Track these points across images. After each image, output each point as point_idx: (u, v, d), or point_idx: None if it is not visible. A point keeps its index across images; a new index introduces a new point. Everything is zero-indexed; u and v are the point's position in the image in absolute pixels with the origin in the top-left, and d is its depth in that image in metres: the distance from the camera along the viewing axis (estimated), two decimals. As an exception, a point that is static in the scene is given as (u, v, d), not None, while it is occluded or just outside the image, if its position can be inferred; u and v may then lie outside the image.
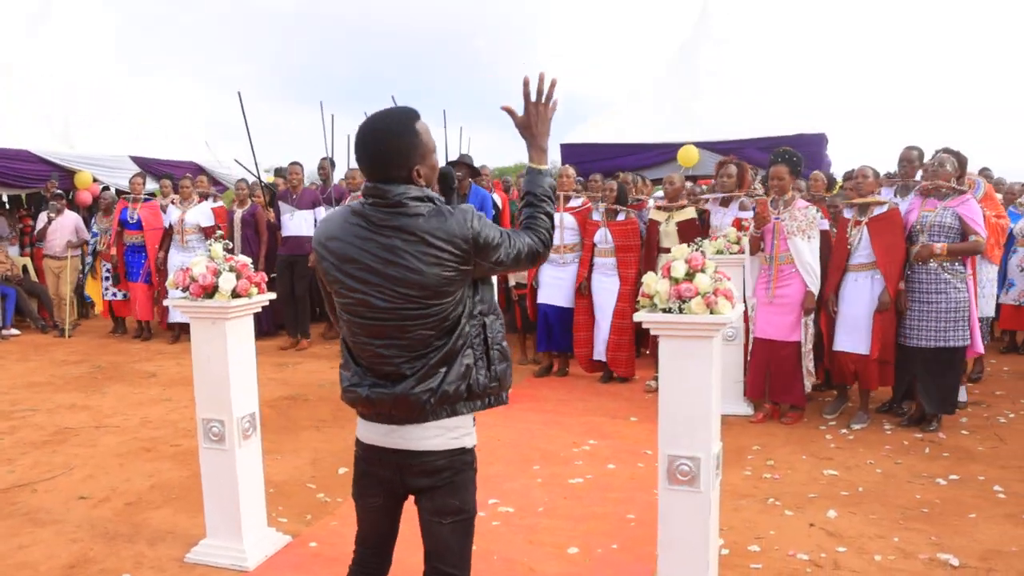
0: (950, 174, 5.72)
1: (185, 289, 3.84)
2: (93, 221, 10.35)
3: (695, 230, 6.87)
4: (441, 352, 2.27)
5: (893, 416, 6.16)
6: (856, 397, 6.19)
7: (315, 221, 9.11)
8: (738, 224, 6.65)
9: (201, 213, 9.46)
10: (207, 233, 9.18)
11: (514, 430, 5.88)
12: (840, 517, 4.34)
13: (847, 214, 6.08)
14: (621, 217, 7.24)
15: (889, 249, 5.79)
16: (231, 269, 3.86)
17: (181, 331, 9.33)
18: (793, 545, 4.01)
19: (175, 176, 10.39)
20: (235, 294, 3.82)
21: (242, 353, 3.94)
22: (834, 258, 6.07)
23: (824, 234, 6.20)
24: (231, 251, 4.01)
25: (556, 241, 7.42)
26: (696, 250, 3.33)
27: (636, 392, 7.06)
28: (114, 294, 10.01)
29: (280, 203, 9.24)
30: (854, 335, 5.94)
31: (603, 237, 7.24)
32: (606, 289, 7.26)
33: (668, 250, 6.35)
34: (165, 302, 4.21)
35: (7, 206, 13.24)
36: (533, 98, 2.46)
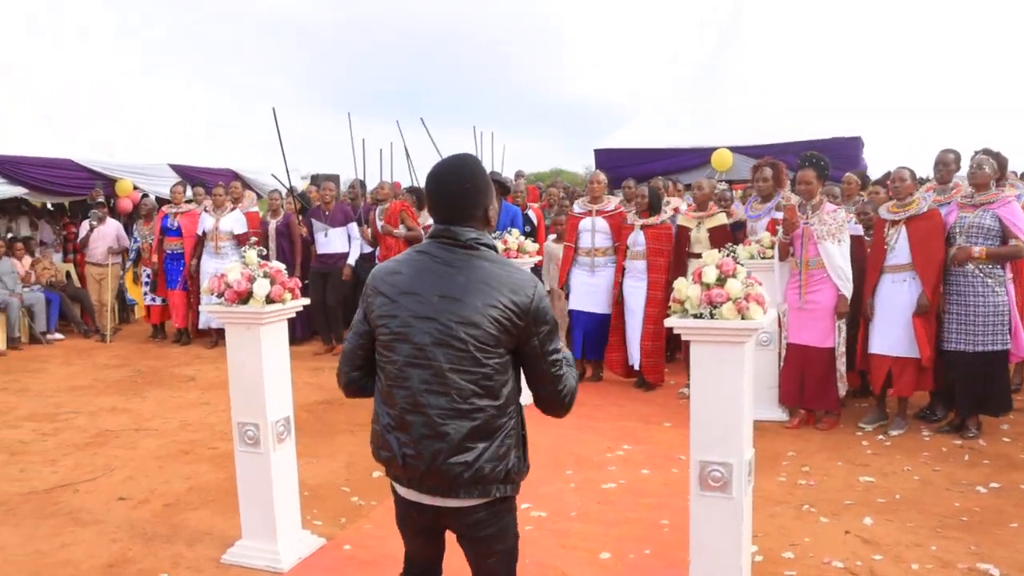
0: (989, 176, 5.63)
1: (220, 295, 3.90)
2: (134, 228, 10.52)
3: (726, 236, 6.81)
4: (482, 417, 2.22)
5: (929, 422, 6.07)
6: (894, 406, 6.10)
7: (348, 237, 9.17)
8: (773, 226, 6.59)
9: (235, 220, 9.61)
10: (240, 240, 9.30)
11: (548, 435, 5.88)
12: (876, 524, 4.29)
13: (884, 214, 6.00)
14: (656, 221, 7.22)
15: (927, 251, 5.71)
16: (265, 275, 3.91)
17: (219, 336, 9.45)
18: (828, 552, 3.97)
19: (208, 183, 10.54)
20: (269, 300, 3.87)
21: (276, 358, 4.00)
22: (871, 259, 5.99)
23: (857, 239, 6.12)
24: (265, 257, 4.07)
25: (587, 244, 7.44)
26: (727, 255, 3.32)
27: (670, 397, 7.03)
28: (153, 299, 10.18)
29: (313, 220, 9.29)
30: (890, 338, 5.86)
31: (635, 240, 7.23)
32: (635, 294, 7.23)
33: (699, 256, 6.31)
34: (200, 308, 4.28)
35: (51, 212, 13.52)
36: None
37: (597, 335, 7.52)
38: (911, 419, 6.08)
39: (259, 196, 12.12)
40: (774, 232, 6.33)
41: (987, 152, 5.77)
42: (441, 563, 2.62)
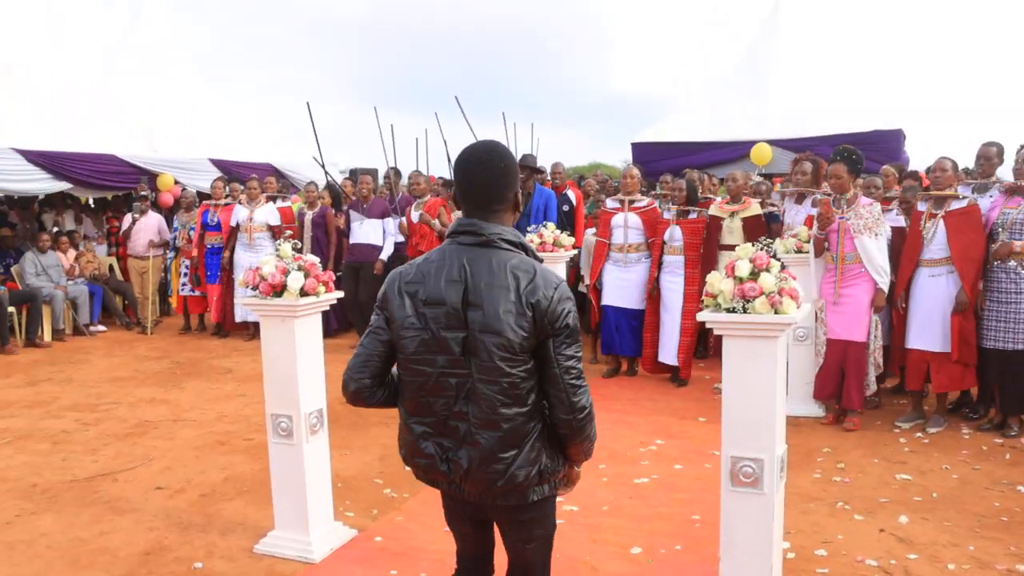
0: (1037, 170, 5.50)
1: (255, 288, 3.94)
2: (174, 218, 10.67)
3: (761, 227, 6.75)
4: (510, 426, 2.20)
5: (969, 420, 5.97)
6: (933, 403, 6.00)
7: (383, 231, 9.21)
8: (810, 221, 6.50)
9: (269, 212, 9.70)
10: (275, 232, 9.40)
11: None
12: (912, 523, 4.23)
13: (921, 207, 5.89)
14: (693, 215, 7.16)
15: (966, 247, 5.60)
16: (299, 268, 3.95)
17: (256, 329, 9.54)
18: (861, 551, 3.92)
19: (242, 177, 10.65)
20: (303, 293, 3.91)
21: (310, 350, 4.04)
22: (906, 251, 5.89)
23: (899, 231, 6.02)
24: (299, 250, 4.11)
25: (620, 240, 7.40)
26: (760, 249, 3.29)
27: (705, 392, 6.97)
28: (191, 291, 10.31)
29: (351, 211, 9.37)
30: (928, 333, 5.77)
31: (671, 235, 7.17)
32: (672, 289, 7.18)
33: (732, 247, 6.24)
34: (236, 300, 4.33)
35: (92, 207, 13.77)
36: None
37: (630, 330, 7.48)
38: (951, 417, 5.97)
39: (296, 190, 12.23)
40: (811, 226, 6.24)
41: (1033, 146, 5.64)
42: (492, 557, 2.63)
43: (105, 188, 11.81)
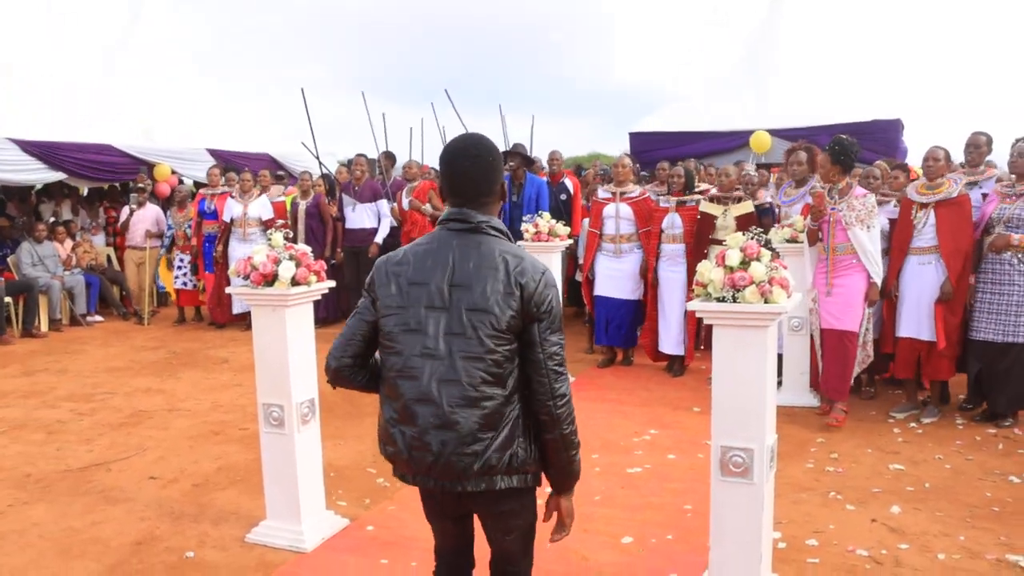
0: (1031, 165, 5.48)
1: (246, 277, 3.93)
2: (168, 214, 10.63)
3: (754, 224, 6.70)
4: (490, 406, 2.20)
5: (964, 411, 5.97)
6: (926, 393, 5.99)
7: (377, 214, 9.20)
8: (807, 210, 6.48)
9: (262, 207, 9.70)
10: (268, 226, 9.40)
11: (575, 422, 5.87)
12: (904, 513, 4.23)
13: (912, 195, 5.87)
14: (691, 203, 7.13)
15: (955, 237, 5.59)
16: (291, 258, 3.94)
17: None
18: (853, 540, 3.92)
19: (239, 168, 10.63)
20: (294, 282, 3.90)
21: (301, 340, 4.03)
22: (896, 240, 5.87)
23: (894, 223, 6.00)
24: (291, 240, 4.10)
25: (611, 231, 7.37)
26: (751, 238, 3.27)
27: (700, 382, 6.97)
28: (184, 283, 10.29)
29: (343, 196, 9.37)
30: (917, 322, 5.77)
31: (671, 223, 7.13)
32: (671, 279, 7.14)
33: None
34: (227, 290, 4.32)
35: (85, 196, 13.74)
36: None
37: (622, 320, 7.47)
38: (945, 408, 5.97)
39: (295, 180, 12.19)
40: (807, 215, 6.23)
41: (1028, 139, 5.62)
42: (472, 549, 2.61)
43: (102, 178, 11.78)
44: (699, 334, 7.44)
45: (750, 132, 10.91)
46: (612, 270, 7.43)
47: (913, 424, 5.71)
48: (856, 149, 5.69)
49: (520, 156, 8.05)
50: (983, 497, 4.44)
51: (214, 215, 9.92)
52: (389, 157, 10.36)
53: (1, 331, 9.25)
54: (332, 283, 4.19)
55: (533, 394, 2.26)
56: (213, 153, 12.33)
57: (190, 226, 10.17)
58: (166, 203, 11.52)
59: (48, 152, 10.39)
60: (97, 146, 11.07)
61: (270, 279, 3.90)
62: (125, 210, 10.91)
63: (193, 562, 3.89)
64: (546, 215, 6.88)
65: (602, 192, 7.67)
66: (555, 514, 2.46)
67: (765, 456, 3.15)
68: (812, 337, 6.08)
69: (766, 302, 3.10)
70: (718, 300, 3.17)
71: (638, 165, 9.99)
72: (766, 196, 7.58)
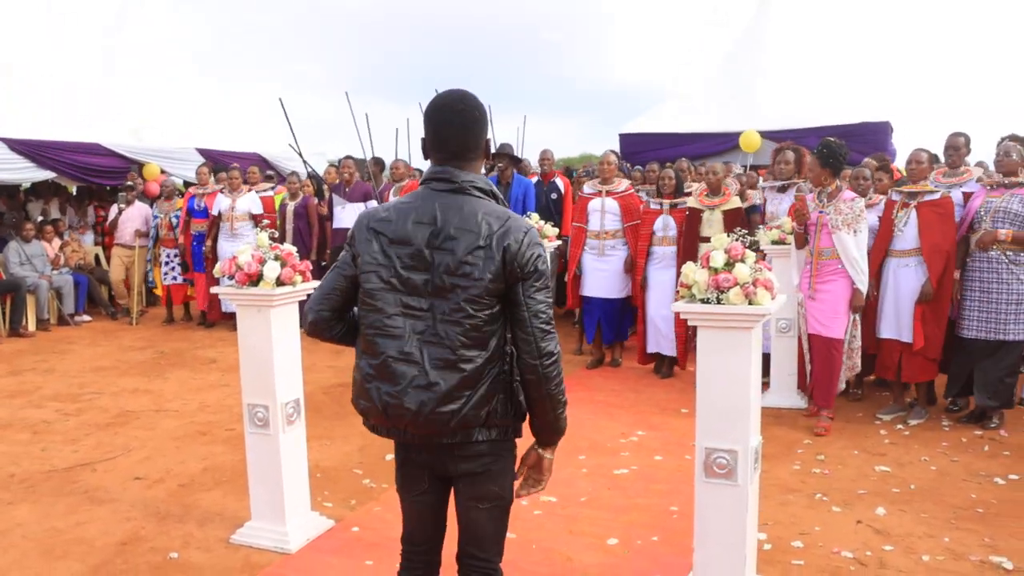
0: (1017, 163, 5.49)
1: (231, 277, 3.92)
2: (154, 206, 10.59)
3: (741, 221, 6.70)
4: (470, 368, 2.21)
5: (950, 412, 5.99)
6: (913, 394, 6.00)
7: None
8: (792, 212, 6.49)
9: (251, 201, 9.67)
10: (257, 220, 9.38)
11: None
12: (889, 515, 4.24)
13: (895, 196, 5.88)
14: (682, 206, 7.12)
15: (936, 239, 5.61)
16: (276, 258, 3.92)
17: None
18: (838, 542, 3.93)
19: (228, 166, 10.59)
20: (280, 282, 3.89)
21: (286, 340, 4.01)
22: (877, 241, 5.87)
23: None
24: (277, 239, 4.09)
25: (596, 226, 7.36)
26: (736, 239, 3.28)
27: (688, 384, 6.96)
28: (174, 279, 10.24)
29: (333, 195, 9.35)
30: (898, 323, 5.79)
31: (665, 225, 7.11)
32: (661, 282, 7.09)
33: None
34: (213, 290, 4.31)
35: (74, 195, 13.69)
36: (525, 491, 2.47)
37: (611, 319, 7.47)
38: (932, 409, 5.99)
39: (283, 180, 12.15)
40: (794, 217, 6.23)
41: (1014, 138, 5.65)
42: (441, 543, 2.57)
43: (90, 177, 11.73)
44: (688, 338, 7.44)
45: (739, 133, 10.93)
46: (598, 270, 7.42)
47: (900, 426, 5.73)
48: (845, 151, 5.65)
49: (508, 156, 8.05)
50: (968, 498, 4.46)
51: (204, 213, 9.88)
52: (378, 163, 10.34)
53: (-12, 330, 9.21)
54: (318, 283, 4.17)
55: (519, 352, 2.26)
56: (203, 152, 12.29)
57: (176, 216, 10.11)
58: (155, 202, 11.47)
59: (36, 151, 10.35)
60: (86, 145, 11.03)
61: (255, 279, 3.89)
62: (113, 208, 10.87)
63: (177, 563, 3.87)
64: (535, 215, 6.87)
65: (588, 187, 7.65)
66: (526, 470, 2.44)
67: (749, 458, 3.16)
68: (800, 339, 6.08)
69: (750, 303, 3.10)
70: (702, 301, 3.18)
71: (629, 165, 10.01)
72: (755, 198, 7.58)
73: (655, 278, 7.14)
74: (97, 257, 11.73)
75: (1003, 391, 5.59)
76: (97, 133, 11.22)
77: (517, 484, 2.46)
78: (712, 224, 6.82)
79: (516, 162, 8.34)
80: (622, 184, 7.50)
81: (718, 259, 3.20)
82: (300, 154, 10.45)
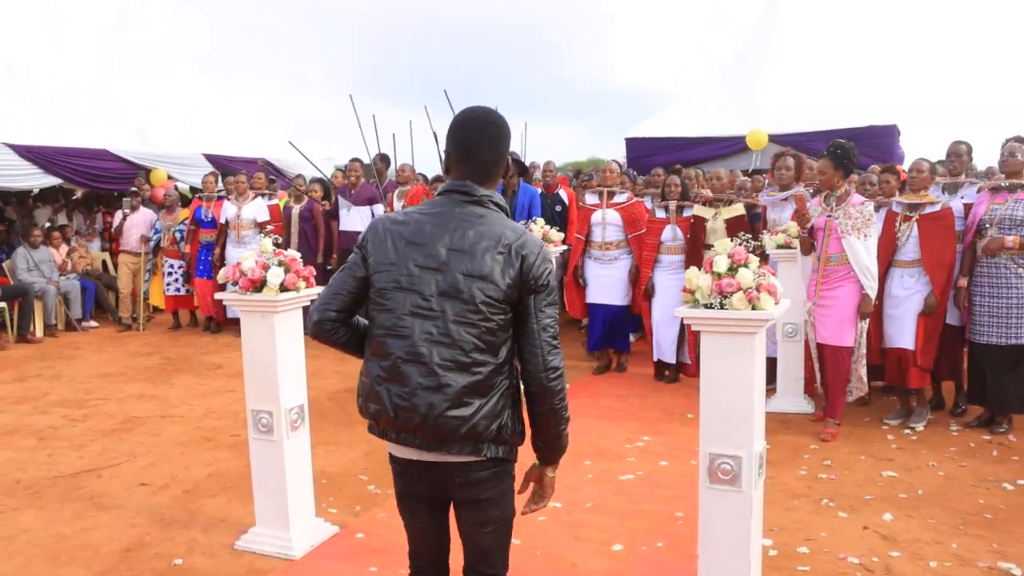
0: (1021, 163, 5.47)
1: (235, 283, 3.92)
2: (156, 219, 10.60)
3: (744, 228, 6.66)
4: (482, 373, 2.20)
5: (954, 416, 5.98)
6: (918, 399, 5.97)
7: (371, 216, 9.18)
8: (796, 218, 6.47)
9: (257, 208, 9.68)
10: (262, 228, 9.35)
11: (569, 425, 5.85)
12: (896, 520, 4.21)
13: (896, 208, 5.86)
14: (688, 213, 7.10)
15: (937, 251, 5.60)
16: (280, 263, 3.93)
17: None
18: (844, 548, 3.91)
19: (235, 171, 10.60)
20: (283, 288, 3.89)
21: (291, 346, 4.01)
22: (880, 252, 5.82)
23: None
24: (280, 245, 4.09)
25: (598, 238, 7.35)
26: (740, 244, 3.27)
27: (694, 389, 6.86)
28: (176, 289, 10.24)
29: (339, 197, 9.35)
30: (901, 333, 5.76)
31: (672, 234, 7.08)
32: (671, 287, 7.04)
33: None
34: (216, 295, 4.31)
35: (82, 201, 13.71)
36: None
37: (616, 326, 7.45)
38: (939, 413, 5.96)
39: (286, 183, 12.15)
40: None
41: (1019, 139, 5.61)
42: (447, 557, 2.57)
43: (97, 183, 11.76)
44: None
45: (745, 137, 10.91)
46: (602, 276, 7.40)
47: (907, 431, 5.69)
48: (856, 153, 5.58)
49: (514, 163, 8.04)
50: (976, 504, 4.43)
51: (211, 223, 9.89)
52: (384, 159, 10.32)
53: (-4, 336, 9.24)
54: (321, 288, 4.17)
55: (525, 365, 2.26)
56: (209, 158, 12.30)
57: (180, 231, 10.13)
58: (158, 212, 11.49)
59: (44, 157, 10.37)
60: (93, 151, 11.03)
61: (259, 285, 3.89)
62: (118, 215, 10.87)
63: (182, 569, 3.87)
64: (540, 220, 6.86)
65: (589, 198, 7.63)
66: (532, 486, 2.45)
67: (754, 463, 3.14)
68: (807, 345, 6.03)
69: (754, 308, 3.09)
70: (706, 307, 3.16)
71: (635, 172, 9.98)
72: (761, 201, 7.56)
73: (661, 283, 7.11)
74: (104, 263, 11.75)
75: (1018, 398, 5.58)
76: (98, 134, 11.20)
77: (522, 497, 2.46)
78: (716, 232, 6.77)
79: (523, 170, 8.32)
80: (623, 194, 7.47)
81: (721, 264, 3.19)
82: (307, 157, 10.45)
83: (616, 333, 7.49)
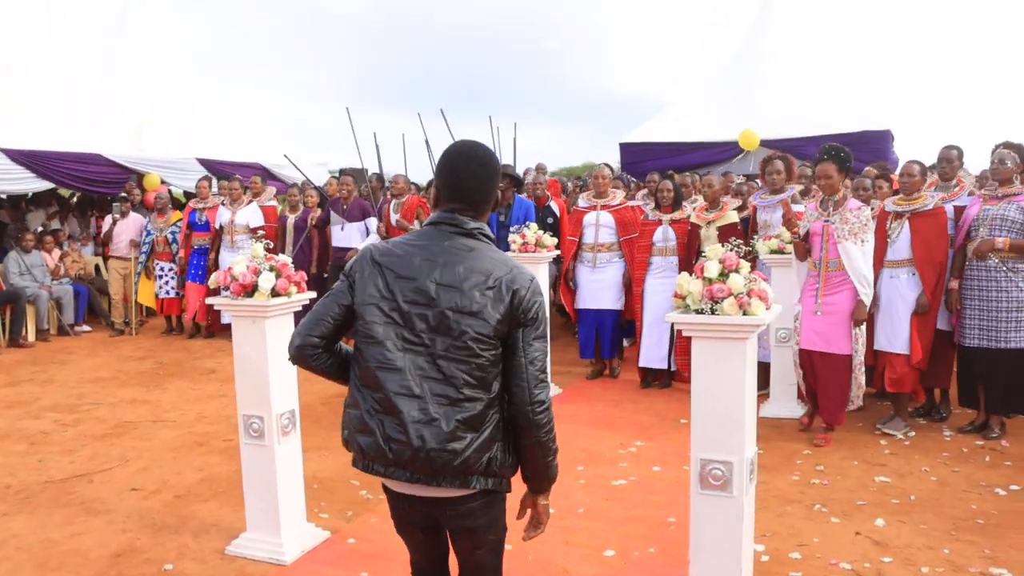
0: (1012, 170, 5.47)
1: (226, 288, 3.91)
2: (147, 221, 10.57)
3: (737, 236, 6.65)
4: (473, 408, 2.19)
5: (935, 421, 6.01)
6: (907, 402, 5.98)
7: (366, 231, 9.12)
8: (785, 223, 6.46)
9: (251, 213, 9.66)
10: (254, 232, 9.35)
11: (562, 430, 5.77)
12: (888, 526, 4.21)
13: (889, 207, 5.87)
14: (680, 216, 7.10)
15: (929, 250, 5.60)
16: (271, 268, 3.92)
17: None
18: (836, 554, 3.90)
19: (232, 178, 10.57)
20: (274, 293, 3.88)
21: (282, 351, 3.96)
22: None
23: None
24: (273, 252, 4.09)
25: (591, 240, 7.34)
26: (731, 250, 3.26)
27: (687, 394, 6.89)
28: (167, 292, 10.20)
29: (331, 212, 9.28)
30: (892, 335, 5.76)
31: (664, 235, 7.09)
32: (661, 292, 7.05)
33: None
34: (208, 300, 4.30)
35: (73, 204, 13.68)
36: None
37: (606, 331, 7.43)
38: (912, 419, 5.98)
39: (283, 187, 12.13)
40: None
41: (1008, 145, 5.62)
42: (447, 563, 2.58)
43: (91, 187, 11.73)
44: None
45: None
46: (592, 281, 7.40)
47: (900, 436, 5.69)
48: (852, 156, 5.59)
49: (509, 177, 8.04)
50: (968, 509, 4.43)
51: (205, 227, 9.87)
52: (380, 180, 10.31)
53: (-12, 341, 9.21)
54: (312, 294, 4.16)
55: (512, 398, 2.24)
56: (204, 163, 12.28)
57: (172, 232, 10.10)
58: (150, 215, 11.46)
59: (36, 161, 10.34)
60: (86, 155, 11.00)
61: (250, 290, 3.88)
62: (108, 219, 10.82)
63: (172, 574, 3.86)
64: (533, 226, 6.86)
65: (583, 201, 7.63)
66: (528, 512, 2.45)
67: (745, 469, 3.14)
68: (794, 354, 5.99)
69: (745, 314, 3.09)
70: (697, 312, 3.16)
71: (629, 176, 9.98)
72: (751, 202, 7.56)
73: (652, 287, 7.10)
74: (97, 267, 11.71)
75: (1013, 401, 5.60)
76: (97, 136, 11.17)
77: (520, 521, 2.47)
78: (709, 239, 6.75)
79: (518, 183, 8.32)
80: (617, 197, 7.48)
81: (712, 269, 3.18)
82: (300, 170, 10.43)
83: (607, 338, 7.47)
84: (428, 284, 2.20)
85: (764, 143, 10.80)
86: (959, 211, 5.87)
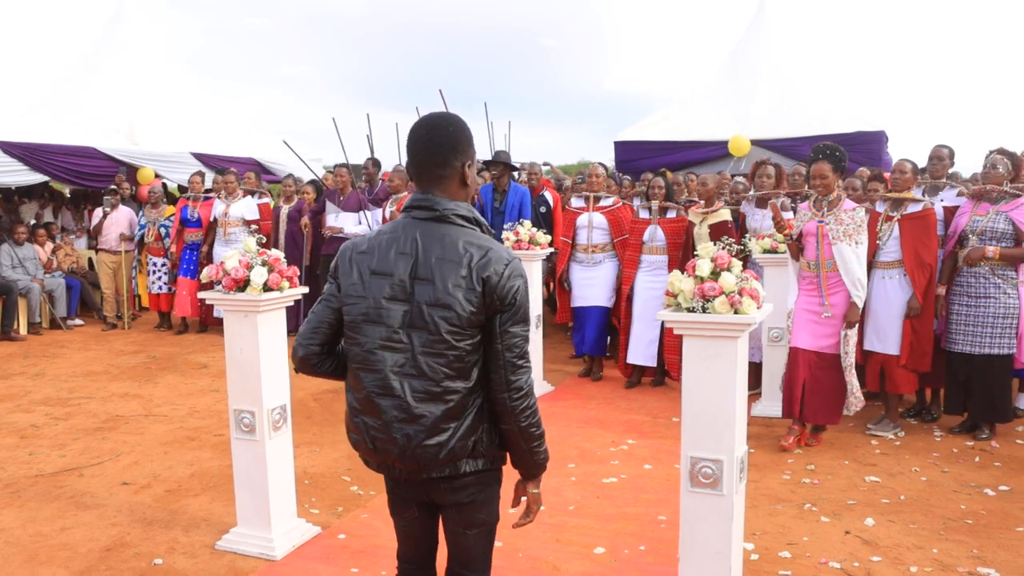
0: (1003, 176, 5.50)
1: (219, 282, 3.91)
2: (141, 213, 10.50)
3: (728, 233, 6.65)
4: (454, 399, 2.19)
5: (924, 422, 6.02)
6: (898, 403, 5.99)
7: (358, 222, 9.11)
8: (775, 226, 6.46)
9: (245, 207, 9.63)
10: (250, 226, 9.32)
11: (553, 428, 5.85)
12: (878, 525, 4.22)
13: (879, 208, 5.87)
14: (672, 215, 7.09)
15: (918, 252, 5.61)
16: (263, 263, 3.91)
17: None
18: (826, 553, 3.92)
19: (223, 170, 10.54)
20: (267, 288, 3.88)
21: (273, 346, 4.00)
22: None
23: None
24: (266, 245, 4.08)
25: (584, 240, 7.34)
26: (723, 248, 3.27)
27: (679, 392, 6.92)
28: (160, 288, 10.16)
29: (328, 202, 9.28)
30: (881, 336, 5.77)
31: (652, 235, 7.09)
32: (650, 289, 7.03)
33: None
34: (200, 294, 4.28)
35: (70, 199, 13.65)
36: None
37: (594, 327, 7.41)
38: (902, 419, 5.99)
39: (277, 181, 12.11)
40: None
41: (1002, 152, 5.64)
42: (435, 558, 2.58)
43: (84, 181, 11.70)
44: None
45: (734, 142, 10.95)
46: (586, 279, 7.38)
47: (890, 436, 5.71)
48: (846, 155, 5.51)
49: (503, 164, 8.04)
50: (957, 510, 4.44)
51: (197, 223, 9.82)
52: (376, 164, 10.28)
53: (-21, 334, 9.17)
54: (305, 289, 4.16)
55: (491, 384, 2.24)
56: (198, 157, 12.26)
57: (164, 226, 10.06)
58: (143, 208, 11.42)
59: (30, 154, 10.31)
60: (80, 148, 10.99)
61: (242, 284, 3.87)
62: (97, 213, 10.73)
63: (162, 569, 3.85)
64: (527, 223, 6.85)
65: (575, 201, 7.61)
66: (522, 500, 2.46)
67: (735, 467, 3.14)
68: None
69: (736, 312, 3.09)
70: (688, 310, 3.17)
71: (621, 174, 10.00)
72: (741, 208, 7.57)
73: (641, 285, 7.09)
74: (90, 261, 11.67)
75: (999, 408, 5.61)
76: (89, 132, 11.17)
77: (515, 511, 2.47)
78: (701, 237, 6.75)
79: (512, 170, 8.32)
80: (610, 198, 7.47)
81: (704, 268, 3.19)
82: (300, 157, 10.41)
83: (592, 335, 7.42)
84: (404, 279, 2.20)
85: (758, 143, 10.83)
86: (949, 212, 5.88)
